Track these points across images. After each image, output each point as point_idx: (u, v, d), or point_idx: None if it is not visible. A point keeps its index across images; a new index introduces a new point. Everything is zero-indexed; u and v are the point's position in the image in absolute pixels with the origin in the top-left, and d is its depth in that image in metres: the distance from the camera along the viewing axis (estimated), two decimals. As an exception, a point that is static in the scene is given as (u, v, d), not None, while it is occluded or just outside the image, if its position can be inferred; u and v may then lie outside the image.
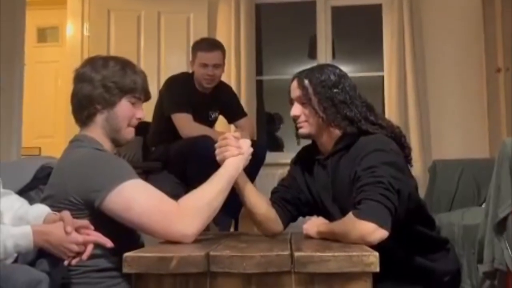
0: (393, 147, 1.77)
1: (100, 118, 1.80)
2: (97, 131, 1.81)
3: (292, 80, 1.93)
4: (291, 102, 1.94)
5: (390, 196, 1.61)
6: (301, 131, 1.90)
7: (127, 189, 1.60)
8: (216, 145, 1.81)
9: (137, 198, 1.60)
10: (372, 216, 1.56)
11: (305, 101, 1.87)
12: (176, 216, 1.58)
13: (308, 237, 1.79)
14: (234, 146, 1.77)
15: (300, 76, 1.90)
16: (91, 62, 1.82)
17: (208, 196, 1.66)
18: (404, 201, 1.68)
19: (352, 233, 1.56)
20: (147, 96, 1.89)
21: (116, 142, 1.85)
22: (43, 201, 1.74)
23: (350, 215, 1.61)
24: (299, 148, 2.09)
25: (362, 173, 1.67)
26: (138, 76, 1.83)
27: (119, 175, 1.63)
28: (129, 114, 1.82)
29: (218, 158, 1.78)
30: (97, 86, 1.77)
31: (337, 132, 1.86)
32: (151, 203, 1.60)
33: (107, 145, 1.82)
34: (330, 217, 1.82)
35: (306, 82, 1.87)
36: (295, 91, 1.90)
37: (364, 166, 1.68)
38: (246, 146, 1.80)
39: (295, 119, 1.91)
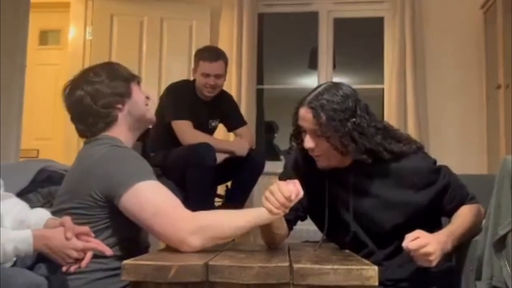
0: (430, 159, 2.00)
1: (122, 116, 1.80)
2: (119, 129, 1.80)
3: (300, 106, 1.76)
4: (297, 126, 1.80)
5: None
6: (320, 164, 1.81)
7: (142, 189, 1.61)
8: (273, 190, 1.56)
9: (150, 198, 1.60)
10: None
11: (320, 135, 1.73)
12: (186, 223, 1.56)
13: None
14: (286, 208, 1.57)
15: (314, 106, 1.72)
16: (82, 79, 1.81)
17: (228, 222, 1.62)
18: None
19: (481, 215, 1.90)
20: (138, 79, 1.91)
21: (144, 126, 1.87)
22: (59, 197, 1.75)
23: (466, 210, 1.96)
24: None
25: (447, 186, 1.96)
26: (123, 69, 1.87)
27: (136, 174, 1.64)
28: (142, 95, 1.86)
29: (264, 204, 1.57)
30: (105, 85, 1.78)
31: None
32: (164, 206, 1.60)
33: (130, 140, 1.82)
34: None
35: (324, 117, 1.70)
36: (309, 123, 1.74)
37: (443, 183, 1.94)
38: (290, 206, 1.59)
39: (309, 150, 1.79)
